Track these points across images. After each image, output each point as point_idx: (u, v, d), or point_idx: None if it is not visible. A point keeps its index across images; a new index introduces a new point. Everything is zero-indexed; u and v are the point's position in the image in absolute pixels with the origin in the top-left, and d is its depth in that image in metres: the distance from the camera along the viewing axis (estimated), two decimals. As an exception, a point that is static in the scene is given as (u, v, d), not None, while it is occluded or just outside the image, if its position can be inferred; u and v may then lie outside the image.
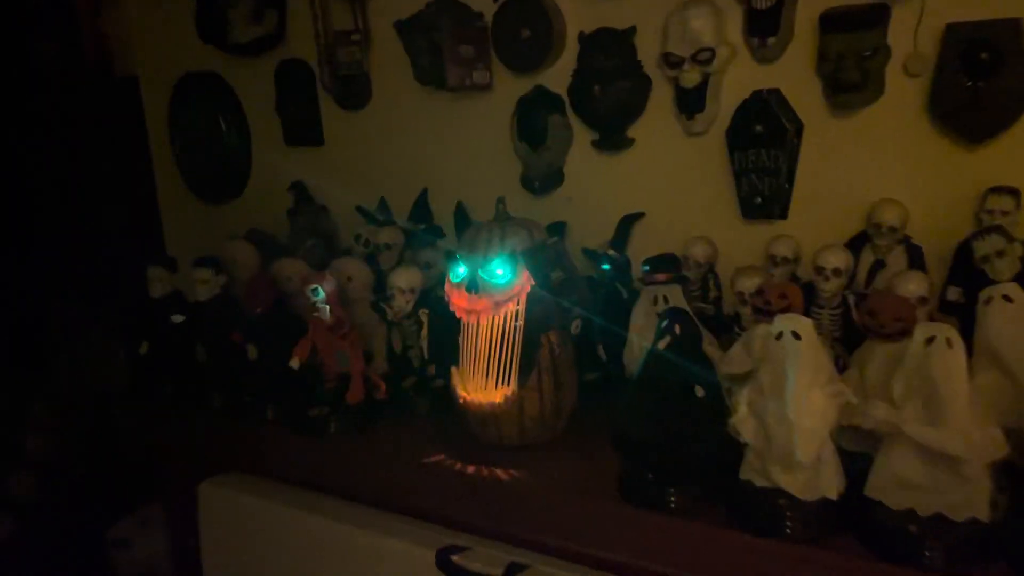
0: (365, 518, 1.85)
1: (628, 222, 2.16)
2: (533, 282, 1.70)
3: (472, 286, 1.70)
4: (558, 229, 2.28)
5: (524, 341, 1.73)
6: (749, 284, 1.75)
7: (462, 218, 2.41)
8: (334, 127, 2.66)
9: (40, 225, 3.18)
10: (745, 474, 1.45)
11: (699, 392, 1.47)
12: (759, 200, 1.97)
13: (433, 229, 2.50)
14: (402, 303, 2.02)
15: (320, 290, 1.93)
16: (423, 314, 2.04)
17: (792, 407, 1.32)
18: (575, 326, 1.81)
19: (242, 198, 3.01)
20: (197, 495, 2.09)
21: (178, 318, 2.15)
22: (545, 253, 1.78)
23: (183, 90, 3.02)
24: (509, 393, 1.73)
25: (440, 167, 2.46)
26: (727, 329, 1.85)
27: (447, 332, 1.79)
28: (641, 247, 2.10)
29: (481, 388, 1.77)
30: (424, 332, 2.05)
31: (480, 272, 1.69)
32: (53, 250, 3.14)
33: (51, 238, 3.16)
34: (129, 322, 2.45)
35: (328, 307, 1.94)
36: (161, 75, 3.06)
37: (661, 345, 1.50)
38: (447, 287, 1.79)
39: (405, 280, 2.02)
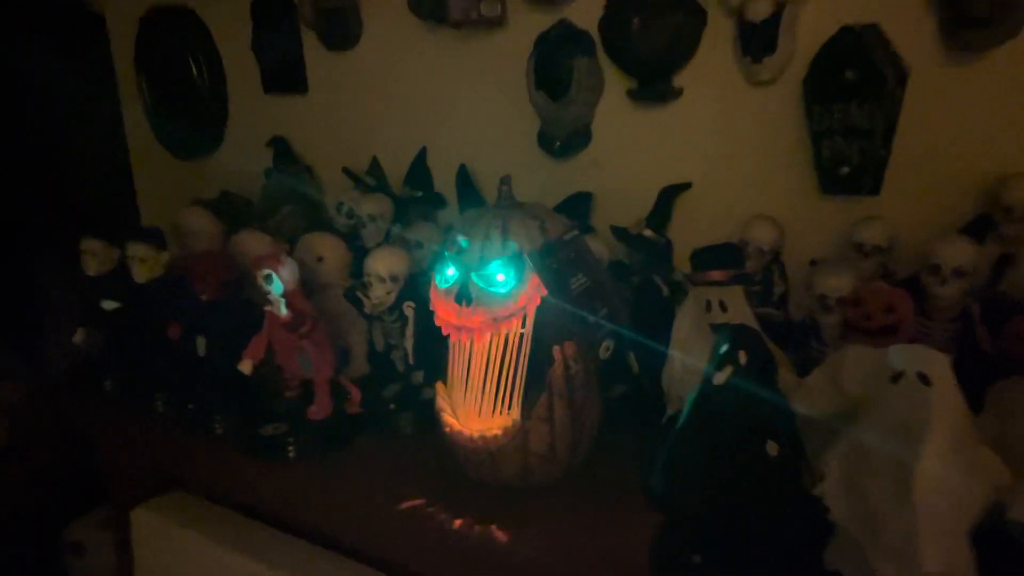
0: (322, 567, 1.45)
1: (670, 195, 1.73)
2: (544, 292, 1.28)
3: (464, 295, 1.29)
4: (582, 202, 1.83)
5: (531, 355, 1.30)
6: (838, 285, 1.30)
7: (466, 186, 1.97)
8: (319, 71, 2.25)
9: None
10: (833, 562, 1.02)
11: (771, 450, 1.03)
12: (845, 170, 1.52)
13: (432, 197, 2.07)
14: (381, 293, 1.60)
15: (274, 277, 1.51)
16: (408, 307, 1.62)
17: (918, 488, 0.88)
18: (604, 348, 1.37)
19: (218, 154, 2.59)
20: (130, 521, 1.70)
21: (110, 304, 1.74)
22: (563, 252, 1.34)
23: (150, 28, 2.59)
24: (510, 424, 1.31)
25: (441, 121, 2.07)
26: (799, 342, 1.40)
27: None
28: (686, 227, 1.75)
29: (473, 415, 1.35)
30: (410, 330, 1.62)
31: (475, 277, 1.28)
32: (25, 216, 2.75)
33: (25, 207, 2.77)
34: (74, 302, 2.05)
35: (283, 299, 1.51)
36: (127, 10, 2.63)
37: (719, 378, 1.06)
38: (432, 294, 1.37)
39: (384, 265, 1.59)
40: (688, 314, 1.33)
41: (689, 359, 1.28)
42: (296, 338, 1.56)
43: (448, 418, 1.39)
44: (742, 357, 1.06)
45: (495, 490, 1.39)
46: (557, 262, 1.33)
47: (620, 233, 1.72)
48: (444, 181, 2.07)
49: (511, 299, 1.28)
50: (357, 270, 1.74)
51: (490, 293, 1.29)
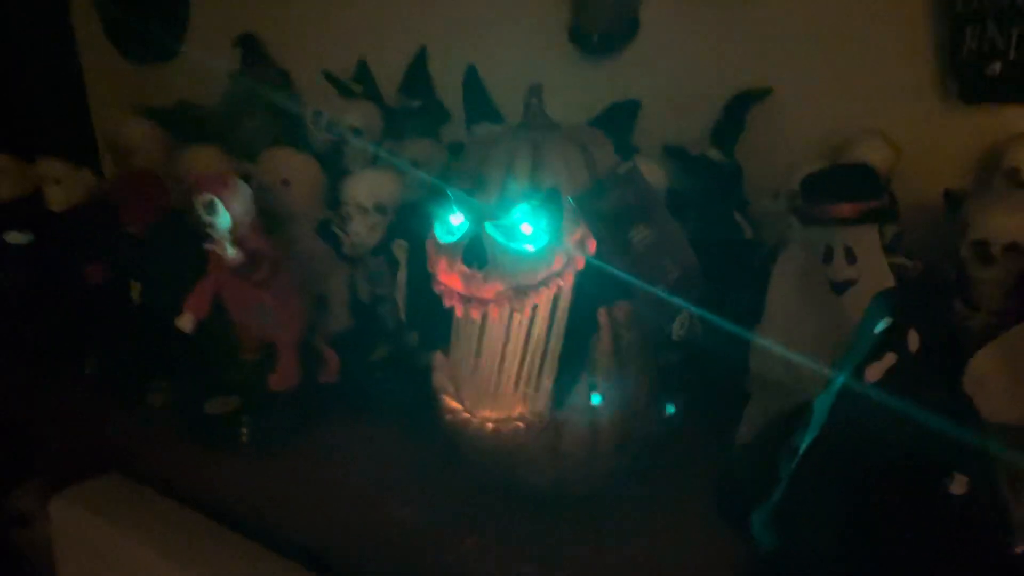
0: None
1: (744, 104, 1.31)
2: (592, 251, 0.93)
3: (474, 254, 0.91)
4: (625, 114, 1.42)
5: (569, 321, 0.93)
6: (1007, 227, 0.91)
7: (475, 93, 1.56)
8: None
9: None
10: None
11: (957, 487, 0.65)
12: (996, 68, 1.09)
13: (433, 108, 1.66)
14: (363, 228, 1.22)
15: (218, 205, 1.12)
16: (399, 248, 1.23)
17: None
18: (679, 324, 0.97)
19: (178, 59, 2.17)
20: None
21: (17, 238, 1.35)
22: (619, 193, 0.96)
23: None
24: (536, 414, 0.93)
25: (445, 13, 1.67)
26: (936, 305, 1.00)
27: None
28: (761, 149, 1.37)
29: (486, 398, 0.97)
30: (401, 276, 1.23)
31: (490, 228, 0.91)
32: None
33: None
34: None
35: (229, 236, 1.12)
36: None
37: (874, 374, 0.68)
38: (430, 250, 1.00)
39: (367, 191, 1.20)
40: (793, 267, 0.94)
41: (796, 346, 0.89)
42: (251, 287, 1.17)
43: (450, 402, 1.01)
44: (912, 341, 0.67)
45: (514, 500, 1.03)
46: (612, 208, 0.93)
47: (676, 153, 1.32)
48: (448, 90, 1.68)
49: (542, 261, 0.91)
50: (335, 199, 1.34)
51: (512, 251, 0.91)
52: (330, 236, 1.29)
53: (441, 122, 1.70)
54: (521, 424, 0.96)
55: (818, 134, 1.30)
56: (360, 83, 1.75)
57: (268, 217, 1.35)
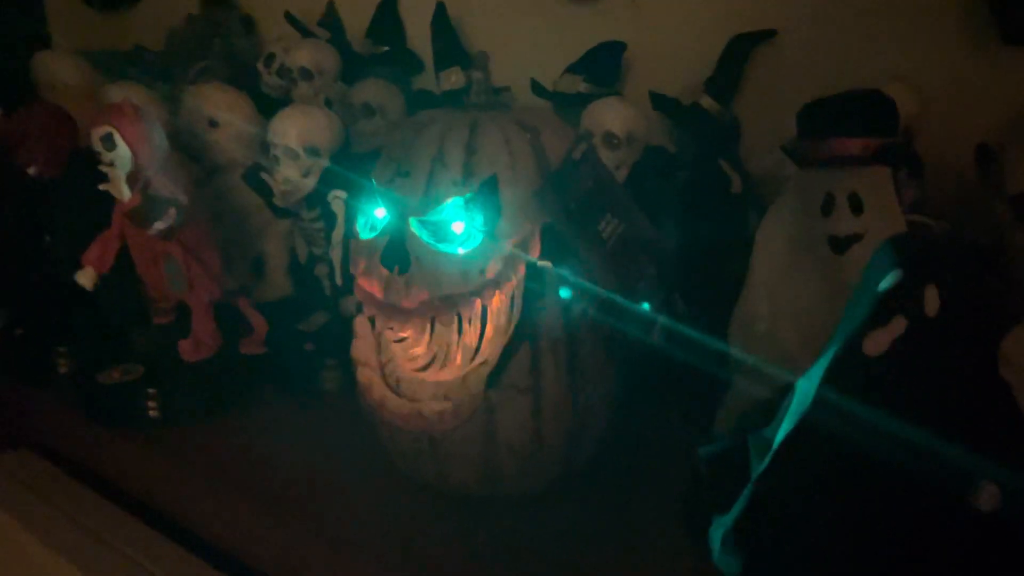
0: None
1: (744, 48, 1.12)
2: (536, 255, 0.78)
3: (395, 255, 0.77)
4: (609, 57, 1.24)
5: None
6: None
7: (444, 33, 1.38)
8: None
9: None
10: None
11: (987, 500, 0.47)
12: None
13: (402, 55, 1.49)
14: (293, 174, 1.05)
15: (116, 139, 0.95)
16: (336, 200, 1.05)
17: None
18: (656, 332, 0.81)
19: (141, 5, 2.01)
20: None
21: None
22: (577, 178, 0.79)
23: None
24: (465, 393, 0.76)
25: None
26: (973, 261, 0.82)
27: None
28: (764, 99, 1.21)
29: (408, 370, 0.80)
30: (338, 233, 1.07)
31: (415, 225, 0.77)
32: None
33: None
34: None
35: (125, 176, 0.95)
36: None
37: (877, 344, 0.50)
38: (353, 249, 0.85)
39: (296, 129, 1.03)
40: (786, 219, 0.76)
41: (785, 303, 0.71)
42: (157, 238, 1.01)
43: (370, 376, 0.84)
44: (929, 301, 0.49)
45: (443, 498, 0.85)
46: (575, 199, 0.77)
47: (665, 103, 1.14)
48: (420, 37, 1.47)
49: (475, 266, 0.76)
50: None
51: (440, 254, 0.76)
52: (259, 184, 1.12)
53: (412, 71, 1.53)
54: (446, 406, 0.79)
55: (828, 83, 1.11)
56: (327, 28, 1.57)
57: (198, 164, 1.19)
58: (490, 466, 0.81)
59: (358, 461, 0.96)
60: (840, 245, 0.70)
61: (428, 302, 0.76)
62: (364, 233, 0.83)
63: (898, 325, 0.50)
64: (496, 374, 0.78)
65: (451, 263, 0.76)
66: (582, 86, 1.23)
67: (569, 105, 1.22)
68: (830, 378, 0.51)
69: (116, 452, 1.07)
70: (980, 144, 0.94)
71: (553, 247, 0.78)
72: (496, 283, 0.77)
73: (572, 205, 0.79)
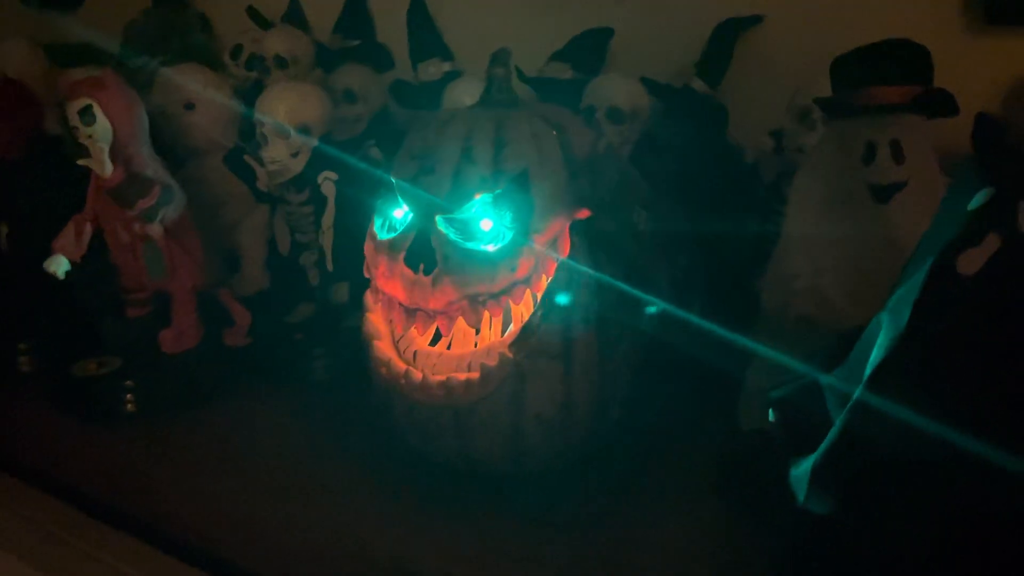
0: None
1: (731, 32, 1.11)
2: (565, 254, 0.76)
3: (421, 254, 0.74)
4: (596, 43, 1.23)
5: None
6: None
7: (421, 22, 1.35)
8: None
9: None
10: None
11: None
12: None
13: (372, 50, 1.45)
14: (282, 155, 1.00)
15: (95, 111, 0.89)
16: (327, 181, 1.01)
17: None
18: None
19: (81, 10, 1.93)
20: None
21: None
22: (605, 172, 0.79)
23: None
24: (494, 362, 0.73)
25: None
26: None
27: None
28: (751, 84, 1.19)
29: (430, 347, 0.77)
30: (328, 217, 1.02)
31: (441, 224, 0.74)
32: None
33: None
34: None
35: (108, 149, 0.89)
36: None
37: (969, 263, 0.49)
38: (368, 250, 0.82)
39: (287, 107, 0.99)
40: (820, 173, 0.75)
41: (825, 256, 0.70)
42: (135, 220, 0.94)
43: (384, 349, 0.80)
44: (1023, 215, 0.48)
45: (465, 478, 0.81)
46: (609, 192, 0.78)
47: (657, 88, 1.13)
48: (391, 31, 1.43)
49: (504, 264, 0.73)
50: (247, 130, 1.12)
51: (468, 252, 0.73)
52: (242, 168, 1.07)
53: (383, 68, 1.49)
54: (475, 376, 0.75)
55: (815, 66, 1.12)
56: (292, 23, 1.53)
57: (171, 151, 1.13)
58: (516, 438, 0.77)
59: (347, 454, 0.91)
60: (883, 193, 0.69)
61: (455, 302, 0.73)
62: (382, 233, 0.79)
63: (992, 243, 0.49)
64: (526, 341, 0.75)
65: (480, 261, 0.73)
66: (569, 73, 1.21)
67: (557, 92, 1.20)
68: (925, 300, 0.49)
69: (88, 448, 0.99)
70: (980, 114, 0.95)
71: (586, 242, 0.76)
72: (527, 281, 0.75)
73: (607, 199, 0.77)
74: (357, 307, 0.99)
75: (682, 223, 0.86)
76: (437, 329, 0.78)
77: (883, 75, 0.69)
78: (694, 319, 0.77)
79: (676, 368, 0.84)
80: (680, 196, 0.99)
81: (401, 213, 0.78)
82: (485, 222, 0.73)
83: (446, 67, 1.33)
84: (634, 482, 0.83)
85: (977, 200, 0.50)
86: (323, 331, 1.06)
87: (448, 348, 0.80)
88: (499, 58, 0.80)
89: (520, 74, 1.22)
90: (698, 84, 1.14)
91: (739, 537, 0.74)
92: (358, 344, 0.86)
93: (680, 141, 1.11)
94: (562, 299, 0.73)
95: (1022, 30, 1.04)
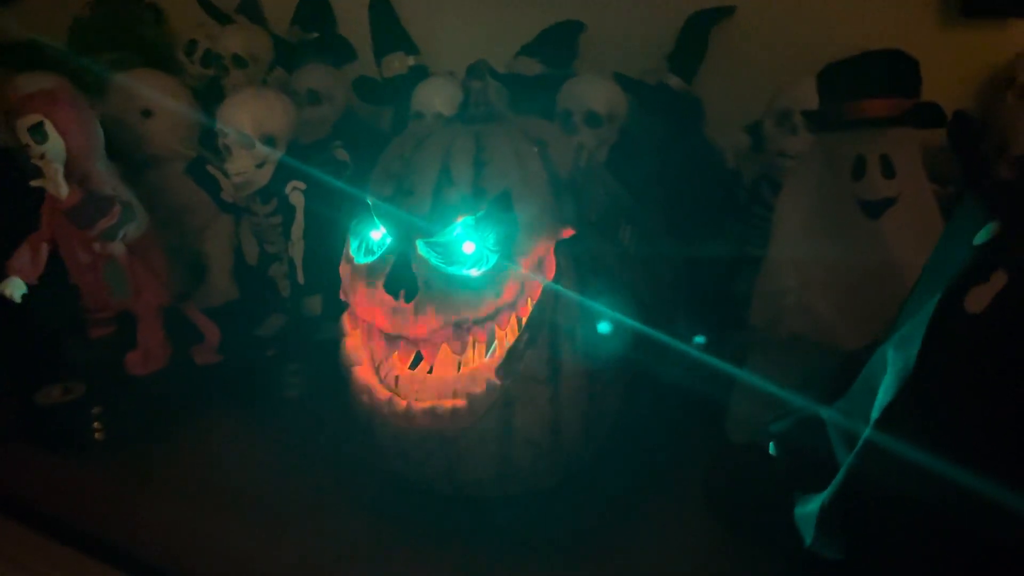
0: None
1: (704, 24, 1.09)
2: (551, 276, 0.74)
3: (401, 280, 0.71)
4: (566, 36, 1.20)
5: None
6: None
7: (384, 14, 1.30)
8: None
9: None
10: None
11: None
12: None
13: (333, 42, 1.40)
14: (247, 165, 0.96)
15: (47, 128, 0.84)
16: (295, 191, 0.97)
17: None
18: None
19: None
20: None
21: None
22: (590, 188, 0.77)
23: None
24: (481, 388, 0.70)
25: None
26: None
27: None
28: (725, 76, 1.16)
29: (413, 372, 0.74)
30: (297, 228, 0.98)
31: (422, 247, 0.72)
32: None
33: None
34: None
35: (63, 169, 0.85)
36: None
37: (976, 302, 0.48)
38: (344, 273, 0.78)
39: (252, 116, 0.94)
40: (807, 188, 0.73)
41: (819, 265, 0.69)
42: (94, 239, 0.90)
43: (365, 376, 0.77)
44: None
45: (449, 500, 0.79)
46: (595, 210, 0.76)
47: (631, 84, 1.11)
48: (352, 24, 1.39)
49: (489, 289, 0.70)
50: (212, 138, 1.07)
51: (451, 277, 0.71)
52: (205, 178, 1.03)
53: (344, 60, 1.45)
54: (461, 403, 0.73)
55: (790, 59, 1.11)
56: (247, 15, 1.47)
57: (127, 160, 1.08)
58: (506, 462, 0.75)
59: (326, 475, 0.89)
60: (874, 209, 0.68)
61: (439, 330, 0.71)
62: (360, 257, 0.76)
63: (998, 280, 0.48)
64: (512, 366, 0.73)
65: (463, 286, 0.70)
66: (538, 68, 1.18)
67: (527, 88, 1.17)
68: (933, 339, 0.48)
69: (56, 480, 0.95)
70: (957, 111, 0.95)
71: (573, 262, 0.73)
72: (512, 306, 0.72)
73: (593, 216, 0.75)
74: (330, 319, 0.96)
75: (664, 235, 0.84)
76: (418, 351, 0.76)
77: (873, 88, 0.68)
78: (679, 340, 0.75)
79: (663, 383, 0.82)
80: (658, 198, 0.98)
81: (379, 235, 0.75)
82: (467, 245, 0.71)
83: (411, 61, 1.29)
84: (623, 500, 0.82)
85: (983, 235, 0.49)
86: (296, 345, 1.03)
87: (430, 371, 0.78)
88: (475, 70, 0.77)
89: (492, 72, 1.19)
90: (673, 80, 1.11)
91: (730, 557, 0.74)
92: (334, 358, 0.83)
93: (655, 139, 1.09)
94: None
95: (998, 22, 1.03)
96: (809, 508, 0.52)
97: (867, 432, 0.50)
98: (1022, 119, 0.80)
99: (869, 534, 0.50)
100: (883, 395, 0.50)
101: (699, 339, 0.77)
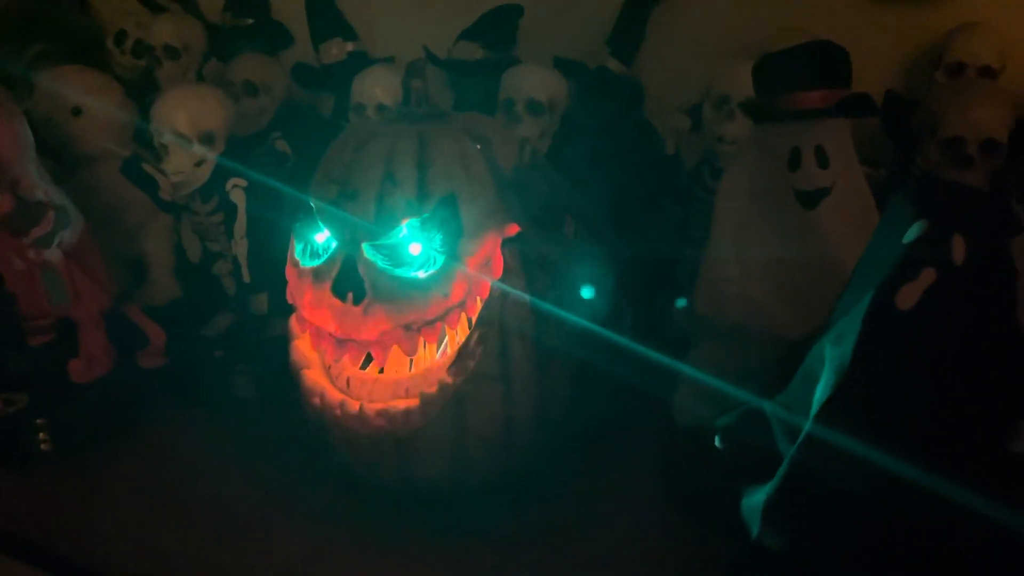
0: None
1: (643, 4, 1.10)
2: (497, 275, 0.74)
3: (349, 282, 0.71)
4: (505, 20, 1.20)
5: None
6: (986, 121, 0.75)
7: (320, 4, 1.28)
8: None
9: None
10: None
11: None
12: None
13: (268, 28, 1.38)
14: (185, 164, 0.94)
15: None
16: (236, 188, 0.96)
17: None
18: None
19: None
20: None
21: None
22: (534, 183, 0.77)
23: None
24: (434, 388, 0.71)
25: None
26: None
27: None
28: (665, 59, 1.17)
29: (364, 373, 0.74)
30: (240, 226, 0.97)
31: (368, 250, 0.71)
32: None
33: None
34: None
35: (-12, 178, 0.83)
36: None
37: (907, 298, 0.50)
38: (290, 277, 0.78)
39: (188, 114, 0.92)
40: (746, 178, 0.74)
41: (755, 265, 0.70)
42: (28, 247, 0.88)
43: (316, 379, 0.77)
44: (957, 248, 0.49)
45: (403, 497, 0.80)
46: (539, 206, 0.76)
47: (571, 68, 1.11)
48: (287, 10, 1.36)
49: (438, 290, 0.70)
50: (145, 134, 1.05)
51: (398, 279, 0.71)
52: (142, 177, 1.00)
53: (280, 45, 1.42)
54: (414, 404, 0.73)
55: (728, 40, 1.12)
56: (178, 2, 1.43)
57: (59, 158, 1.05)
58: (458, 459, 0.76)
59: (279, 477, 0.89)
60: (810, 199, 0.70)
61: (389, 332, 0.71)
62: (305, 260, 0.76)
63: (927, 277, 0.50)
64: (463, 364, 0.73)
65: (411, 288, 0.71)
66: (479, 52, 1.17)
67: (468, 73, 1.17)
68: (866, 336, 0.50)
69: (2, 492, 0.93)
70: (888, 91, 0.97)
71: (519, 258, 0.74)
72: (461, 305, 0.73)
73: (536, 212, 0.76)
74: (278, 316, 0.96)
75: (607, 223, 0.85)
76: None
77: (805, 80, 0.69)
78: (624, 328, 0.77)
79: (610, 371, 0.84)
80: (600, 181, 0.98)
81: (323, 237, 0.75)
82: (414, 246, 0.71)
83: (349, 47, 1.27)
84: (575, 488, 0.84)
85: (912, 233, 0.50)
86: (244, 345, 1.02)
87: (381, 372, 0.78)
88: (415, 69, 0.76)
89: (433, 58, 1.18)
90: (613, 63, 1.12)
91: (683, 540, 0.76)
92: (283, 356, 0.82)
93: (596, 122, 1.09)
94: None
95: (927, 2, 1.05)
96: (755, 499, 0.54)
97: (807, 426, 0.51)
98: (950, 100, 0.82)
99: (813, 526, 0.52)
100: (821, 390, 0.52)
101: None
